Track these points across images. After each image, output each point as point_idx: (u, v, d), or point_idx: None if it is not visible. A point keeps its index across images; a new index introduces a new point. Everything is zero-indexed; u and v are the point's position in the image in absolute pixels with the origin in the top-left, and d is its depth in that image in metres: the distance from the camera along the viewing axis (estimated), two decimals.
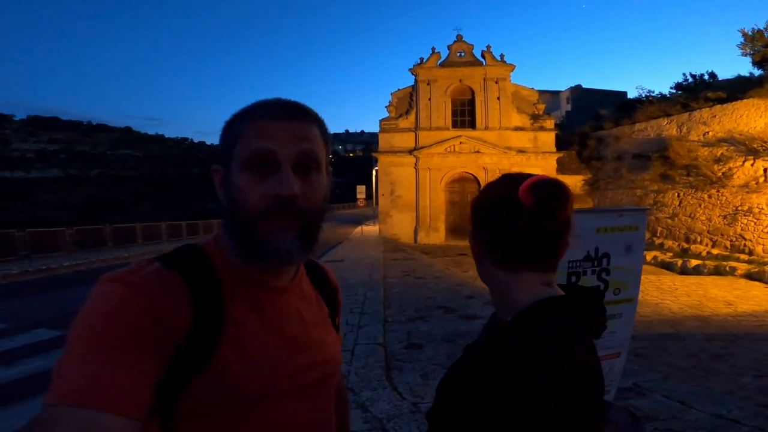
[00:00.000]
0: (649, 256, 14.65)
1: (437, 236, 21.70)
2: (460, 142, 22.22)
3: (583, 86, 41.77)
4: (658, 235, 17.19)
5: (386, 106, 23.46)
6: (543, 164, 22.09)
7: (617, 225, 2.39)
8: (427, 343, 5.30)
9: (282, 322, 0.72)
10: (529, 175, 0.76)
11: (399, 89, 23.61)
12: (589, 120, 27.86)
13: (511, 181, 0.76)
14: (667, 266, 13.91)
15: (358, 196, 29.32)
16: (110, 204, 58.87)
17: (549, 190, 0.71)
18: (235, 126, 0.68)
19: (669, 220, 16.98)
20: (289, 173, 0.65)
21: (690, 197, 16.27)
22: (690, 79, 22.51)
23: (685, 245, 15.63)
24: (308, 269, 0.84)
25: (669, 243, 16.37)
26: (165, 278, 0.62)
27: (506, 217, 0.73)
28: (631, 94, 34.08)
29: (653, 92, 24.05)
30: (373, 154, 24.12)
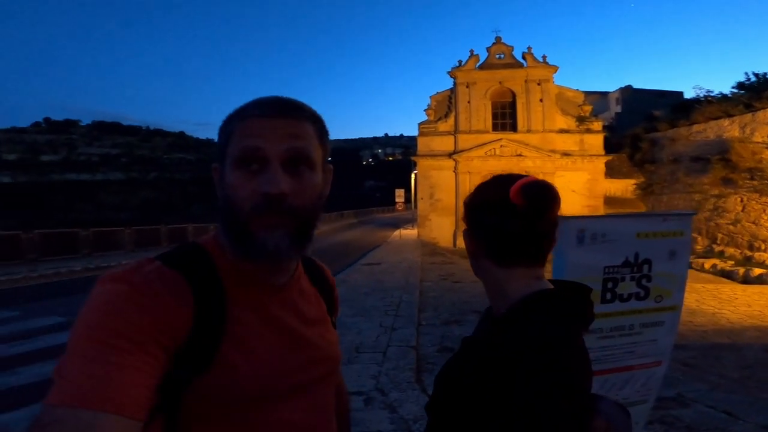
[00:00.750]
0: (708, 264, 13.71)
1: None
2: (501, 146, 21.78)
3: (634, 87, 39.71)
4: (718, 242, 16.01)
5: (425, 110, 23.44)
6: (590, 168, 21.21)
7: (660, 230, 2.28)
8: None
9: (282, 320, 0.71)
10: (519, 176, 0.81)
11: (438, 92, 23.53)
12: (641, 121, 26.46)
13: (502, 182, 0.81)
14: (728, 275, 12.98)
15: (397, 200, 29.40)
16: (166, 205, 62.65)
17: (538, 191, 0.75)
18: (228, 125, 0.69)
19: (731, 227, 15.76)
20: (277, 171, 0.64)
21: (754, 202, 15.04)
22: (753, 78, 20.82)
23: (749, 253, 14.46)
24: (306, 267, 0.84)
25: (730, 250, 15.21)
26: (166, 277, 0.62)
27: (500, 217, 0.77)
28: (688, 95, 32.09)
29: (712, 92, 22.48)
30: (412, 158, 24.14)
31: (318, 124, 0.72)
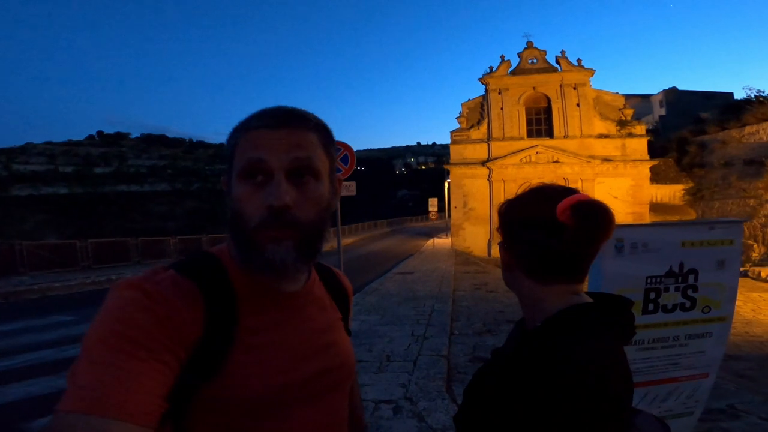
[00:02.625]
0: (765, 272, 12.78)
1: None
2: (537, 152, 21.27)
3: (679, 88, 37.84)
4: None
5: (457, 117, 23.27)
6: (633, 173, 20.32)
7: (707, 239, 2.17)
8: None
9: (294, 327, 0.71)
10: (566, 190, 0.76)
11: (469, 99, 23.32)
12: (688, 124, 25.18)
13: (545, 196, 0.77)
14: None
15: (430, 209, 29.28)
16: (208, 215, 65.23)
17: (593, 213, 0.70)
18: (233, 137, 0.68)
19: None
20: (281, 183, 0.63)
21: None
22: None
23: None
24: (320, 273, 0.84)
25: None
26: (179, 285, 0.62)
27: (544, 235, 0.73)
28: (738, 95, 30.24)
29: (764, 92, 21.10)
30: (445, 166, 23.98)
31: (323, 132, 0.70)
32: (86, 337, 0.55)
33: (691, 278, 2.14)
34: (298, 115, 0.69)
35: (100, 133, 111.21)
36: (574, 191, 0.76)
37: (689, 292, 2.15)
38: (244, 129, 0.67)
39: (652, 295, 2.13)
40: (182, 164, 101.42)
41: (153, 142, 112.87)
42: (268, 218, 0.63)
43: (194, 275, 0.64)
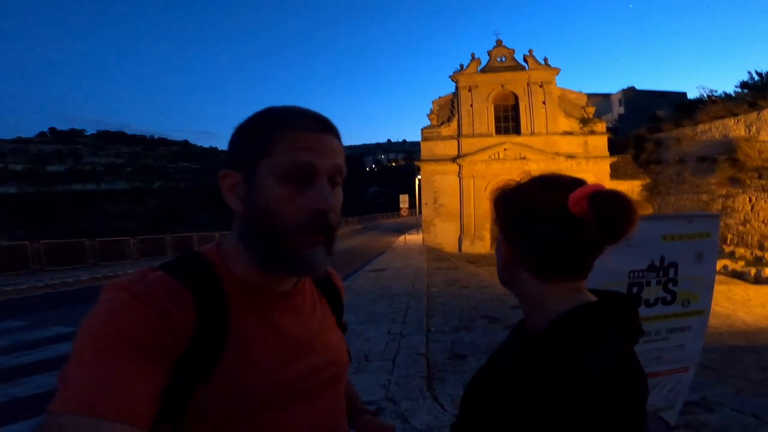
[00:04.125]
0: (719, 264, 13.59)
1: (482, 245, 21.20)
2: (505, 149, 21.72)
3: (637, 88, 39.64)
4: (728, 242, 15.84)
5: (428, 114, 23.43)
6: (595, 169, 21.09)
7: (686, 232, 2.20)
8: (471, 354, 5.15)
9: (286, 326, 0.71)
10: (573, 181, 0.69)
11: (440, 97, 23.53)
12: (645, 122, 26.32)
13: (553, 186, 0.70)
14: (739, 275, 12.93)
15: (402, 206, 29.34)
16: (171, 214, 62.90)
17: (616, 204, 0.63)
18: (263, 133, 0.66)
19: (740, 227, 15.59)
20: (326, 187, 0.65)
21: (763, 201, 14.87)
22: (756, 78, 20.73)
23: (759, 253, 14.31)
24: None
25: (741, 251, 15.05)
26: (169, 286, 0.61)
27: (552, 229, 0.67)
28: (692, 95, 32.01)
29: (716, 91, 22.35)
30: (416, 163, 24.10)
31: (340, 139, 0.72)
32: (77, 338, 0.55)
33: (671, 272, 2.17)
34: (331, 122, 0.70)
35: (52, 129, 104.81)
36: (582, 182, 0.69)
37: (670, 285, 2.18)
38: (281, 127, 0.65)
39: (635, 290, 2.14)
40: (143, 162, 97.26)
41: (111, 139, 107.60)
42: (311, 221, 0.64)
43: (184, 276, 0.63)
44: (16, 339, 6.21)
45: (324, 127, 0.67)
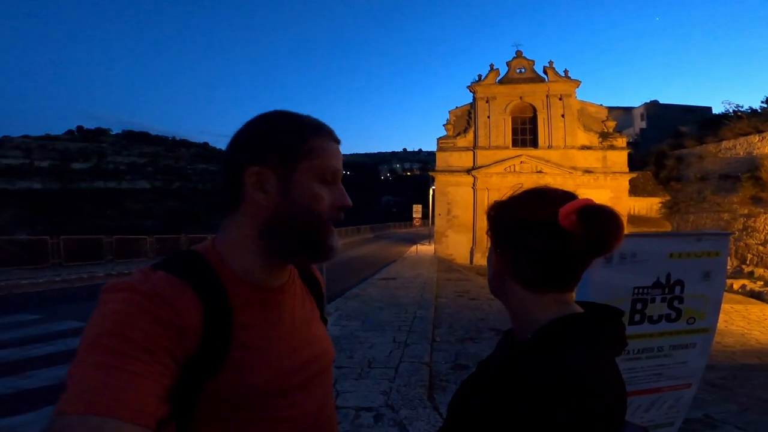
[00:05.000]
0: (737, 284, 13.21)
1: None
2: (521, 162, 21.54)
3: (660, 102, 38.97)
4: (747, 262, 15.37)
5: (444, 125, 23.41)
6: (613, 185, 20.74)
7: (694, 250, 2.16)
8: (474, 365, 5.06)
9: (284, 319, 0.75)
10: (563, 194, 0.72)
11: (457, 107, 23.50)
12: (667, 138, 25.86)
13: (544, 199, 0.72)
14: (757, 296, 12.57)
15: (414, 215, 29.30)
16: (188, 215, 64.07)
17: (603, 219, 0.65)
18: (301, 138, 0.74)
19: (760, 247, 15.11)
20: (343, 188, 0.77)
21: None
22: None
23: None
24: (296, 266, 0.88)
25: (760, 271, 14.60)
26: (175, 286, 0.63)
27: (541, 241, 0.69)
28: (716, 110, 31.30)
29: (742, 107, 21.81)
30: (430, 173, 24.08)
31: None
32: (83, 338, 0.56)
33: (677, 289, 2.12)
34: None
35: (79, 128, 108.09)
36: (573, 196, 0.72)
37: (675, 303, 2.13)
38: (319, 135, 0.75)
39: (639, 306, 2.10)
40: (163, 162, 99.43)
41: (134, 139, 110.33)
42: (335, 215, 0.75)
43: (187, 275, 0.65)
44: (28, 333, 6.33)
45: (337, 137, 0.79)
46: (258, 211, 0.70)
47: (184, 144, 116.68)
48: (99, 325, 0.56)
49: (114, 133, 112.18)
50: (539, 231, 0.69)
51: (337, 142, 0.77)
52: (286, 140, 0.72)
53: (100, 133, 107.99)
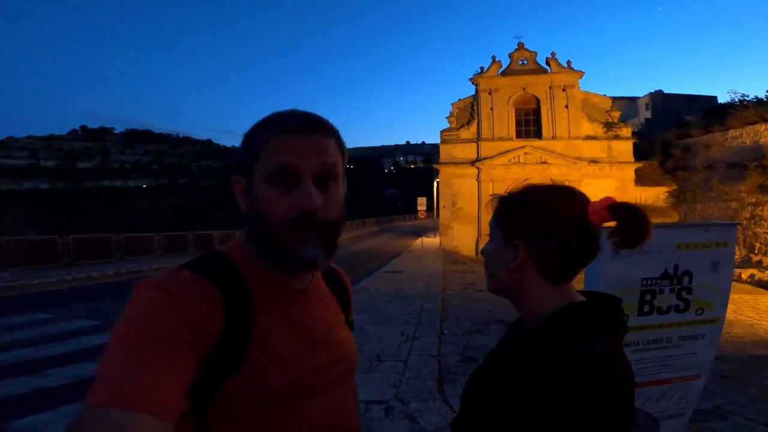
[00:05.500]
0: (746, 274, 13.11)
1: None
2: (525, 153, 21.45)
3: (665, 91, 38.54)
4: (756, 251, 15.27)
5: (447, 117, 23.32)
6: (619, 175, 20.62)
7: (702, 241, 2.17)
8: (483, 357, 5.13)
9: (304, 322, 0.75)
10: (582, 193, 0.78)
11: (460, 99, 23.39)
12: (672, 127, 25.63)
13: (572, 197, 0.77)
14: (766, 285, 12.44)
15: (419, 208, 29.36)
16: (194, 212, 64.42)
17: (635, 213, 0.71)
18: (256, 139, 0.71)
19: None
20: (311, 187, 0.68)
21: None
22: None
23: None
24: (323, 271, 0.87)
25: None
26: (199, 285, 0.64)
27: (577, 236, 0.73)
28: (722, 99, 30.87)
29: (748, 96, 21.52)
30: (434, 166, 24.02)
31: (337, 138, 0.75)
32: (112, 334, 0.58)
33: (685, 280, 2.14)
34: (321, 122, 0.73)
35: (83, 127, 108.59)
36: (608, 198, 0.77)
37: (683, 293, 2.15)
38: (269, 132, 0.70)
39: (648, 297, 2.12)
40: (168, 160, 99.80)
41: (138, 137, 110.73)
42: (297, 220, 0.67)
43: (212, 275, 0.67)
44: (41, 332, 6.40)
45: (310, 128, 0.70)
46: (245, 218, 0.72)
47: (188, 141, 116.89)
48: (126, 321, 0.58)
49: (118, 132, 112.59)
50: (571, 227, 0.73)
51: (304, 133, 0.69)
52: (246, 143, 0.72)
53: (104, 132, 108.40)
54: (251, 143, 0.71)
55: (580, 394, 0.62)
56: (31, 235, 20.16)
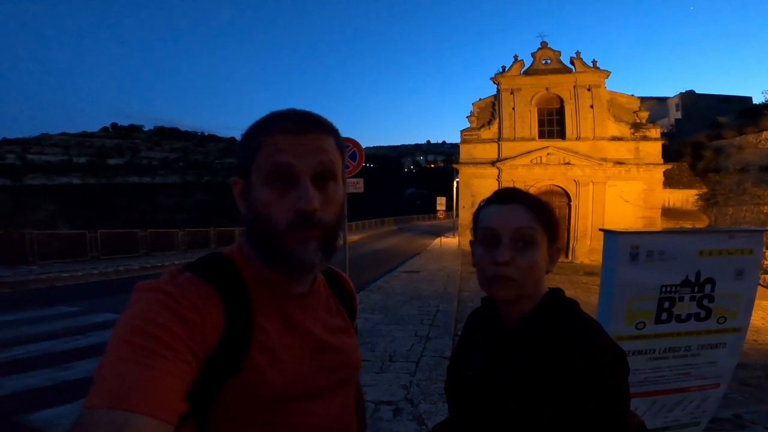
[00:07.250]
0: None
1: None
2: (548, 153, 21.00)
3: (697, 92, 37.15)
4: None
5: (468, 117, 23.05)
6: (646, 177, 19.96)
7: (726, 248, 2.06)
8: None
9: (305, 326, 0.74)
10: None
11: (481, 99, 23.07)
12: (704, 128, 24.69)
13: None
14: None
15: (438, 208, 29.15)
16: (217, 209, 65.74)
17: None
18: (252, 140, 0.70)
19: None
20: (309, 187, 0.67)
21: None
22: None
23: None
24: (326, 275, 0.86)
25: None
26: (199, 287, 0.64)
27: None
28: (757, 100, 29.54)
29: None
30: (454, 166, 23.79)
31: (336, 136, 0.74)
32: (112, 335, 0.57)
33: (707, 288, 2.04)
34: (318, 120, 0.72)
35: (114, 125, 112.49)
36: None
37: (705, 301, 2.05)
38: (265, 132, 0.69)
39: (666, 304, 2.04)
40: (193, 157, 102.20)
41: (166, 135, 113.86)
42: (297, 221, 0.66)
43: (212, 278, 0.66)
44: (67, 325, 6.57)
45: (306, 128, 0.69)
46: (245, 220, 0.72)
47: (213, 139, 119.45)
48: (127, 322, 0.58)
49: (147, 129, 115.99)
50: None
51: (299, 132, 0.68)
52: (243, 144, 0.71)
53: (134, 129, 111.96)
54: (248, 144, 0.70)
55: (606, 348, 0.73)
56: (62, 229, 20.98)
